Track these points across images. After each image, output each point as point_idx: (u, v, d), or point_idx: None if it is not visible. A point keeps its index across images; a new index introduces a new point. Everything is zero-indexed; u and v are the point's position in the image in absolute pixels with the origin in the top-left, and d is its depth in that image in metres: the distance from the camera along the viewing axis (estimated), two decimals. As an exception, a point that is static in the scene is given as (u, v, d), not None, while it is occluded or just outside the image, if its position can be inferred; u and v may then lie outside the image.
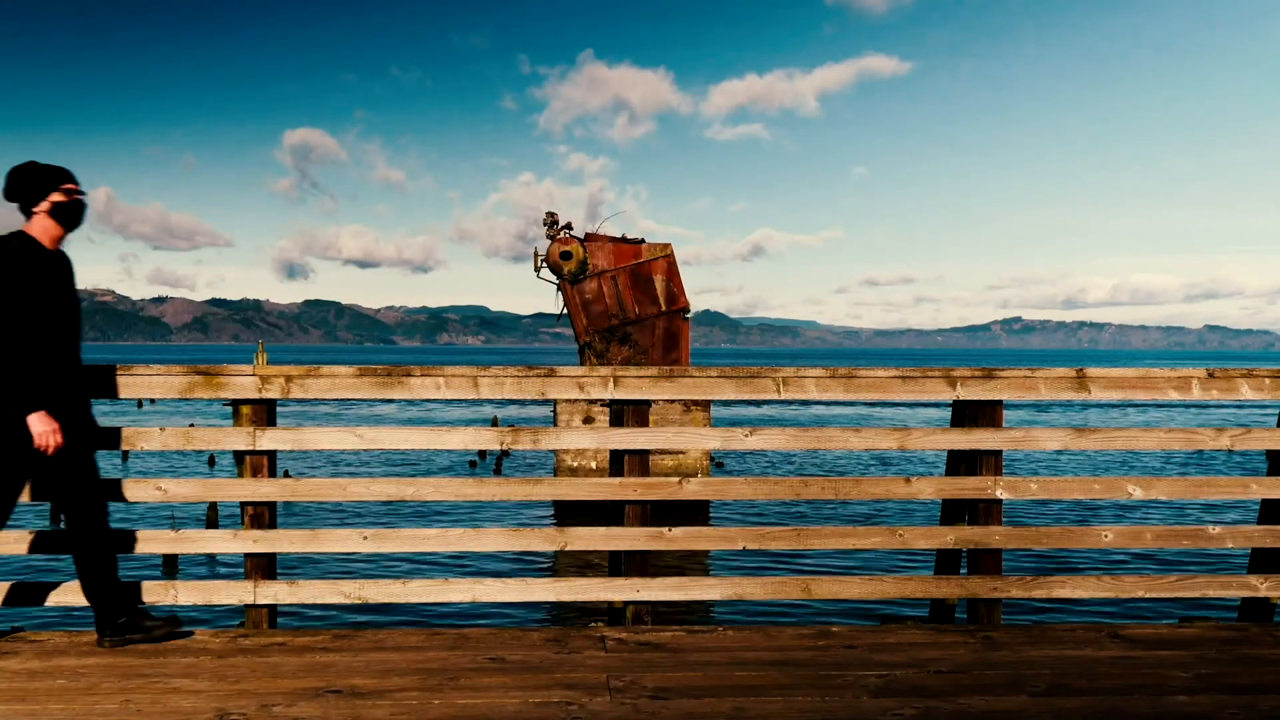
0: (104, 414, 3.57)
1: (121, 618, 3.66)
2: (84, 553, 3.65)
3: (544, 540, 4.09)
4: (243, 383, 4.00)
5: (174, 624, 3.72)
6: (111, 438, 3.90)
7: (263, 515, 4.06)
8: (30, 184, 3.57)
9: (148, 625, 3.68)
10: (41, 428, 3.47)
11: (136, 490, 3.97)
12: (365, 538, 4.00)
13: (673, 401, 15.62)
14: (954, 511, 4.38)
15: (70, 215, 3.64)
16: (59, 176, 3.62)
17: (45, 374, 3.53)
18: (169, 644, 3.65)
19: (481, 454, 23.06)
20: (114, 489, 3.90)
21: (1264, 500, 4.31)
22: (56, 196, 3.59)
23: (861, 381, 4.14)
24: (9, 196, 3.59)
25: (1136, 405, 44.23)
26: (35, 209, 3.58)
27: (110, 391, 3.96)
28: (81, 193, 3.67)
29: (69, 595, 3.88)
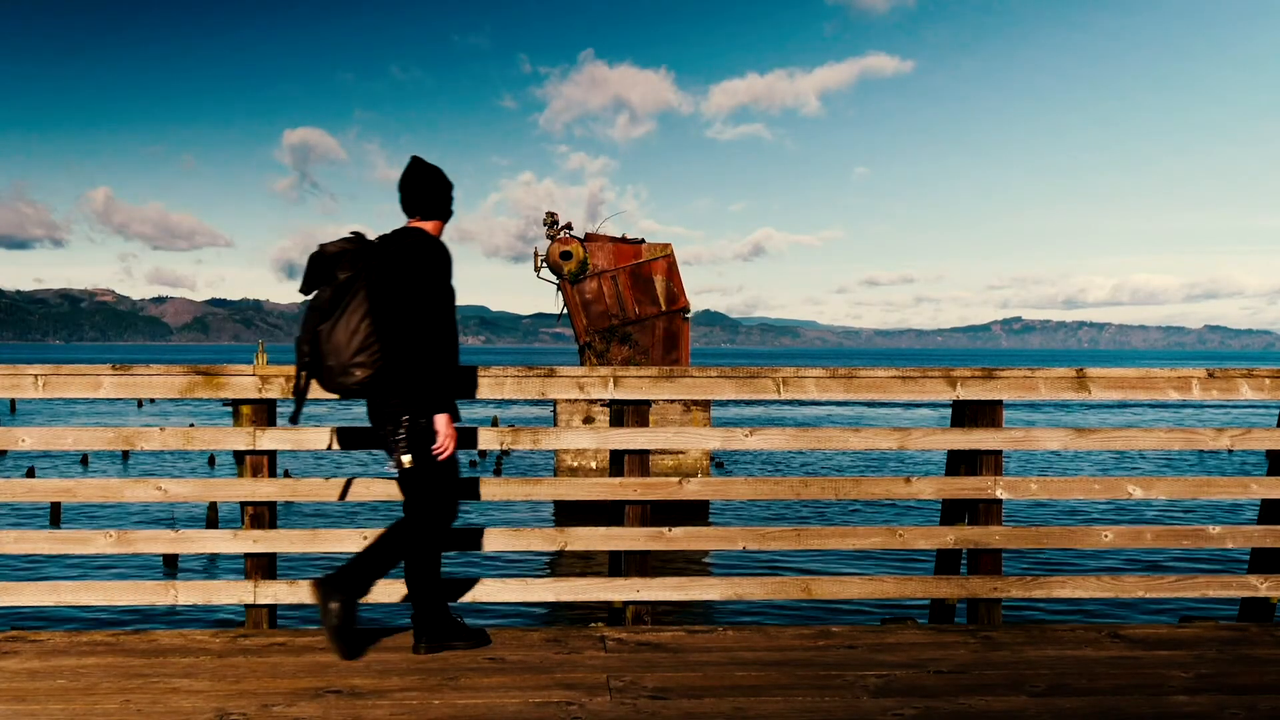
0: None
1: (441, 630, 3.59)
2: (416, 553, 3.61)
3: (544, 540, 4.09)
4: (243, 383, 4.00)
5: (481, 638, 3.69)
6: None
7: (263, 515, 4.06)
8: (449, 191, 3.63)
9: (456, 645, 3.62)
10: (446, 430, 3.46)
11: (136, 490, 3.97)
12: (365, 538, 3.99)
13: (673, 401, 15.62)
14: (954, 511, 4.38)
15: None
16: None
17: (455, 374, 3.51)
18: (169, 644, 3.65)
19: (481, 454, 23.06)
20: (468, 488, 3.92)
21: (1264, 500, 4.31)
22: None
23: (861, 381, 4.14)
24: (428, 199, 3.57)
25: (1136, 405, 44.23)
26: (445, 213, 3.65)
27: (470, 392, 4.00)
28: None
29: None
